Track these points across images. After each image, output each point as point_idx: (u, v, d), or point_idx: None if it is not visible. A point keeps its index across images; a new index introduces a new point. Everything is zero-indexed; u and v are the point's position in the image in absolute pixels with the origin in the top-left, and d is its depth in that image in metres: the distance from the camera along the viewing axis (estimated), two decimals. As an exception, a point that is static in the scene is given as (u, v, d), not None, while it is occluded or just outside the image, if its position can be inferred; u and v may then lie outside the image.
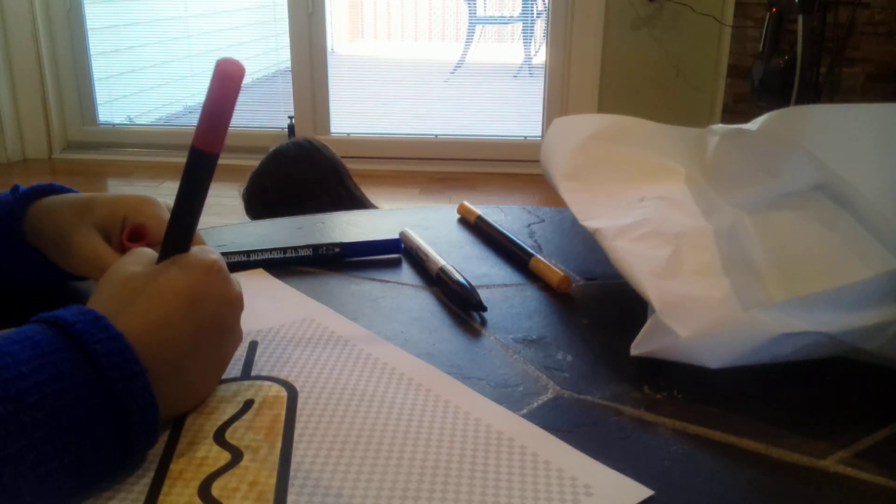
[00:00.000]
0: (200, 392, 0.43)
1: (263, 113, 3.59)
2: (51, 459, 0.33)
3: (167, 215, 0.46)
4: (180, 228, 0.42)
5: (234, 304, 0.43)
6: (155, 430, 0.37)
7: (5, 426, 0.31)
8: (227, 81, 0.38)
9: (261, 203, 1.78)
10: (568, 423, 0.42)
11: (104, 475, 0.36)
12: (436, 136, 3.50)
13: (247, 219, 1.74)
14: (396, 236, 0.67)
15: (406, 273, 0.63)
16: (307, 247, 0.64)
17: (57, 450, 0.33)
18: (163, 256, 0.42)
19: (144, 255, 0.43)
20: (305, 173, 1.73)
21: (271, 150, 1.79)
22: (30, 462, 0.32)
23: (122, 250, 0.49)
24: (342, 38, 5.59)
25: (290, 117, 3.38)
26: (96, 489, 0.36)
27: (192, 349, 0.40)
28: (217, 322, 0.42)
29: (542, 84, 3.31)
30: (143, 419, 0.36)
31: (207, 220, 0.44)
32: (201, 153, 0.40)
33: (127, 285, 0.40)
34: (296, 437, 0.40)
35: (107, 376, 0.35)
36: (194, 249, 0.42)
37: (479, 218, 0.72)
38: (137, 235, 0.50)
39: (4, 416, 0.31)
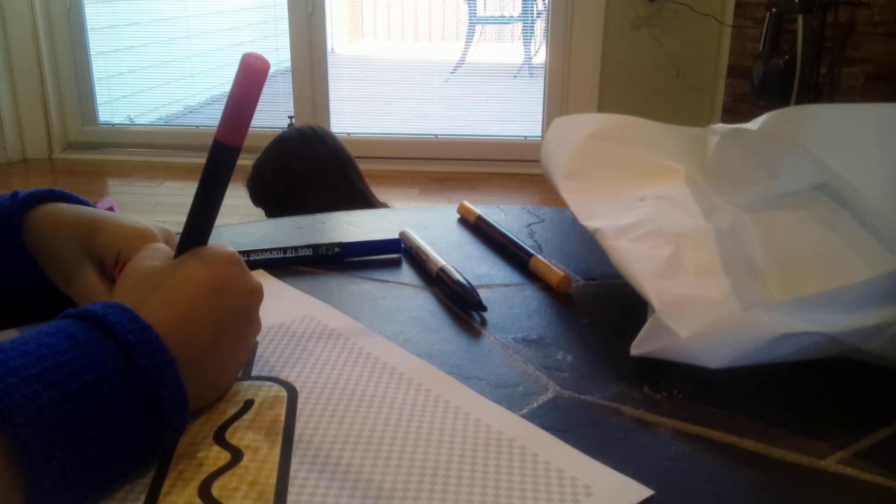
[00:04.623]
0: (224, 381, 0.43)
1: (263, 113, 3.59)
2: (94, 445, 0.33)
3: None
4: (200, 222, 0.42)
5: (256, 293, 0.44)
6: (184, 419, 0.38)
7: (52, 412, 0.32)
8: (251, 75, 0.39)
9: (262, 193, 1.76)
10: (568, 423, 0.42)
11: (140, 461, 0.37)
12: (436, 136, 3.50)
13: (248, 217, 1.73)
14: (396, 236, 0.67)
15: (406, 273, 0.63)
16: (307, 247, 0.64)
17: (98, 436, 0.34)
18: (181, 250, 0.42)
19: (160, 250, 0.44)
20: (305, 164, 1.70)
21: (275, 137, 1.77)
22: (75, 447, 0.33)
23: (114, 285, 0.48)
24: (342, 38, 5.59)
25: (290, 117, 3.37)
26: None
27: (217, 339, 0.41)
28: (240, 312, 0.42)
29: (542, 84, 3.31)
30: (173, 406, 0.36)
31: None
32: (224, 146, 0.40)
33: (147, 279, 0.41)
34: (296, 437, 0.40)
35: (140, 364, 0.35)
36: (210, 244, 0.43)
37: (479, 218, 0.72)
38: None
39: (49, 403, 0.32)
